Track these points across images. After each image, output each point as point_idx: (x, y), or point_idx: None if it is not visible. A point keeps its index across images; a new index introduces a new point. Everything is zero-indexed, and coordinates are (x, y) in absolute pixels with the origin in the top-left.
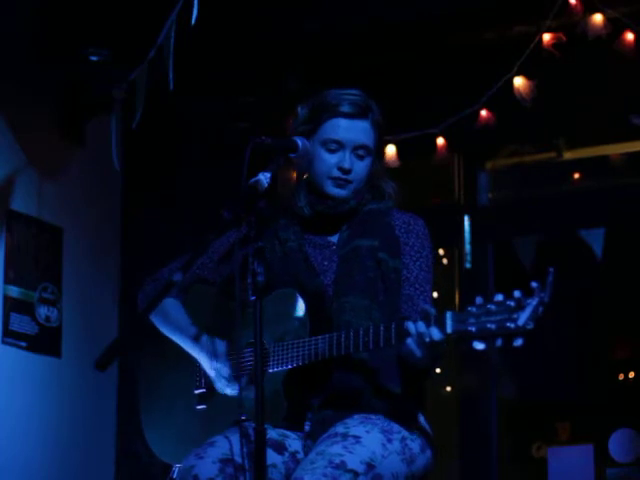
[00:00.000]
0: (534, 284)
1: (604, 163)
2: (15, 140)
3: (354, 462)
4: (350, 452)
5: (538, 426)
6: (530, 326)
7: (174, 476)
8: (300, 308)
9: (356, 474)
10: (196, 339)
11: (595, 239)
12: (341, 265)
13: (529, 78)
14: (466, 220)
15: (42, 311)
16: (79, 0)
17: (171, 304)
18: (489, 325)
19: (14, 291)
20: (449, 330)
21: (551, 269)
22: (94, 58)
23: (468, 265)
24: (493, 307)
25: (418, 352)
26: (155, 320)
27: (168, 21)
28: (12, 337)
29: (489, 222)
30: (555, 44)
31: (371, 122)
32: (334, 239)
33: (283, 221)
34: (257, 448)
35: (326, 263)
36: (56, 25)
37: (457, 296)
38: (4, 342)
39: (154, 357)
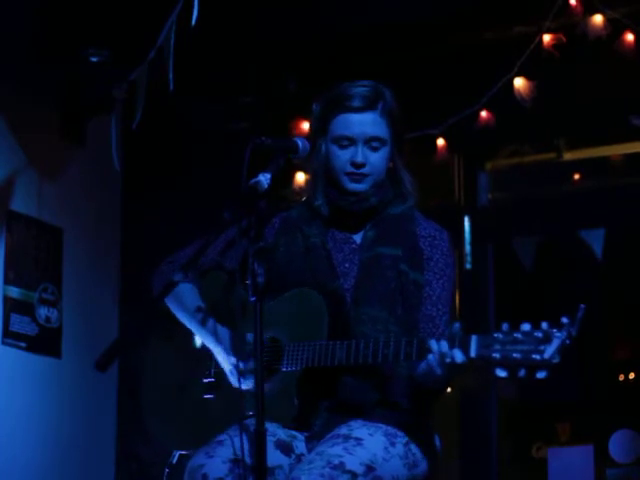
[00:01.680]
0: (564, 319)
1: (604, 164)
2: (15, 140)
3: (353, 463)
4: (350, 453)
5: (538, 426)
6: (556, 360)
7: (174, 462)
8: (321, 311)
9: (355, 475)
10: (203, 324)
11: (595, 239)
12: (362, 271)
13: (529, 79)
14: (466, 221)
15: (42, 312)
16: (79, 0)
17: (186, 289)
18: (515, 354)
19: (14, 292)
20: (473, 354)
21: (582, 306)
22: (94, 58)
23: (468, 266)
24: (520, 336)
25: (438, 370)
26: (170, 305)
27: (168, 22)
28: (12, 338)
29: (489, 223)
30: (555, 45)
31: (381, 112)
32: (357, 238)
33: (307, 215)
34: (257, 449)
35: (347, 265)
36: (56, 25)
37: (457, 297)
38: (4, 343)
39: (161, 344)
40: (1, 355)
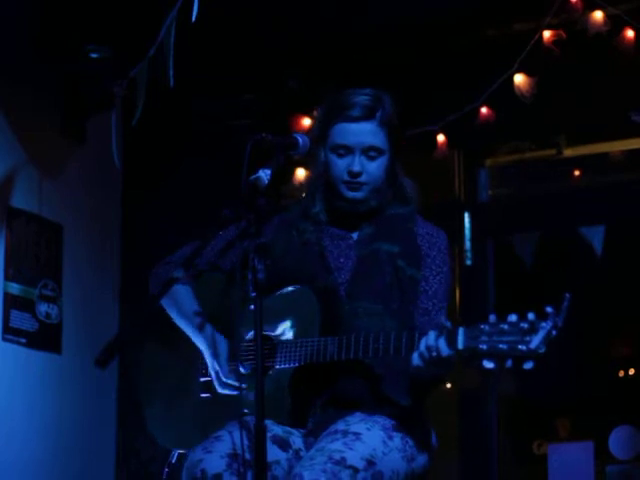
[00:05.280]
0: (549, 309)
1: (604, 160)
2: (15, 137)
3: (354, 458)
4: (350, 448)
5: (538, 423)
6: (542, 350)
7: (173, 461)
8: (314, 308)
9: (356, 470)
10: (201, 329)
11: (595, 236)
12: (358, 266)
13: (529, 75)
14: (466, 217)
15: (42, 308)
16: None
17: (181, 290)
18: (501, 345)
19: (14, 288)
20: (460, 346)
21: (567, 295)
22: (94, 55)
23: (468, 262)
24: (506, 327)
25: (422, 364)
26: (165, 304)
27: (168, 18)
28: (12, 334)
29: (489, 219)
30: (555, 41)
31: (379, 122)
32: (354, 235)
33: (304, 213)
34: (257, 447)
35: (342, 260)
36: (56, 22)
37: (457, 293)
38: (4, 339)
39: (158, 343)
40: (1, 351)
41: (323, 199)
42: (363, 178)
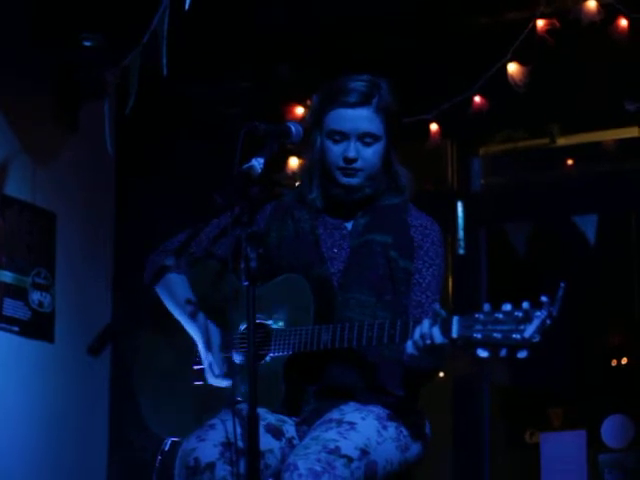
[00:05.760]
0: (544, 298)
1: (597, 149)
2: (9, 126)
3: (348, 448)
4: (345, 438)
5: (531, 412)
6: (536, 339)
7: (166, 448)
8: (308, 297)
9: (350, 459)
10: (194, 318)
11: (588, 225)
12: (352, 257)
13: (523, 64)
14: (459, 206)
15: (35, 296)
16: None
17: (176, 279)
18: (495, 334)
19: (7, 276)
20: (454, 334)
21: (562, 284)
22: (87, 43)
23: (461, 251)
24: (501, 316)
25: (416, 352)
26: (159, 292)
27: (162, 6)
28: (5, 322)
29: (482, 208)
30: (549, 30)
31: (375, 108)
32: (348, 225)
33: (299, 201)
34: (249, 435)
35: (335, 250)
36: (49, 10)
37: (450, 282)
38: None
39: (154, 331)
40: None
41: (319, 185)
42: (358, 164)
